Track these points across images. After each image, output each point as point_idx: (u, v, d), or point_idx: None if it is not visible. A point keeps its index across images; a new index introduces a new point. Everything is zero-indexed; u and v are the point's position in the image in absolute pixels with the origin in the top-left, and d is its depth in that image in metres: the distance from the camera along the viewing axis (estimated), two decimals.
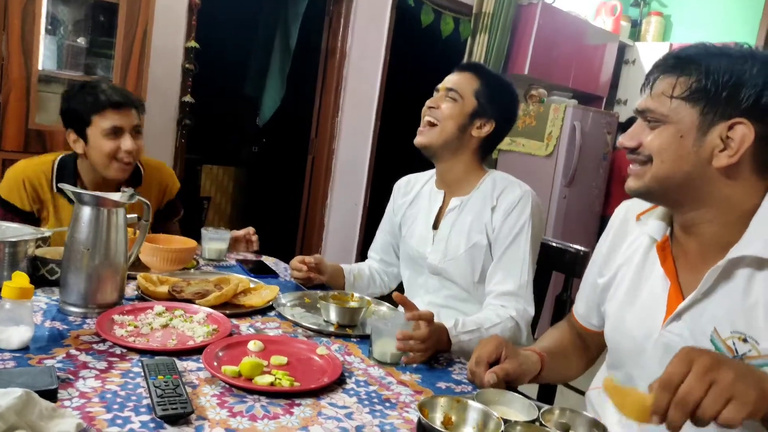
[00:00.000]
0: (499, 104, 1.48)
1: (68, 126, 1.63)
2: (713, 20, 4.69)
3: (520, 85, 4.26)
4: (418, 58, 4.38)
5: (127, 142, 1.59)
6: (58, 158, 1.69)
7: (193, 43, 2.88)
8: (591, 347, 1.22)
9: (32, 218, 1.64)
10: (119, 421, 0.79)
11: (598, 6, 4.68)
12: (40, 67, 2.20)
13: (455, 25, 3.84)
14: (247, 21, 4.17)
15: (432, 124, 1.47)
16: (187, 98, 2.92)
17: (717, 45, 0.90)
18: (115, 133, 1.59)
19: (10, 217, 1.59)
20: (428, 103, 1.50)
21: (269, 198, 4.70)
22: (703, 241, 0.93)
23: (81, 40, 2.40)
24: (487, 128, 1.47)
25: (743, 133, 0.85)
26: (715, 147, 0.87)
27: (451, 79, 1.49)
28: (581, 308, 1.19)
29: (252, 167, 4.96)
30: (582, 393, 3.38)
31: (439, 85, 1.51)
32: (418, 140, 1.50)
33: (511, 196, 1.44)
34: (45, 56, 2.27)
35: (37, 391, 0.77)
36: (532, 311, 1.38)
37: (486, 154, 1.54)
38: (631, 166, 0.96)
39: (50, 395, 0.81)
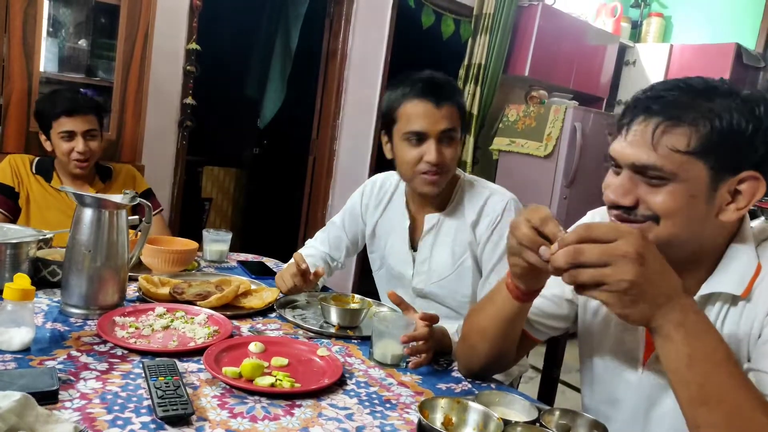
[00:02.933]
0: (465, 115, 1.41)
1: (40, 128, 1.92)
2: (713, 21, 4.69)
3: (521, 86, 4.27)
4: (418, 60, 4.36)
5: (79, 144, 1.84)
6: (37, 157, 1.99)
7: (194, 45, 2.88)
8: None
9: (12, 192, 1.90)
10: (120, 422, 0.80)
11: (598, 7, 4.68)
12: (41, 69, 2.20)
13: (456, 26, 3.85)
14: (248, 23, 4.17)
15: (442, 171, 1.34)
16: (189, 100, 2.93)
17: (698, 81, 0.81)
18: (69, 136, 1.84)
19: None
20: (429, 157, 1.31)
21: (270, 199, 4.70)
22: (692, 283, 0.89)
23: (82, 42, 2.40)
24: (464, 140, 1.42)
25: (755, 187, 0.79)
26: (723, 201, 0.80)
27: (439, 120, 1.31)
28: (538, 309, 1.08)
29: (253, 169, 4.97)
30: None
31: (423, 129, 1.31)
32: (432, 190, 1.36)
33: (493, 208, 1.37)
34: (46, 58, 2.27)
35: (38, 393, 0.77)
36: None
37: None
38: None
39: (51, 396, 0.82)
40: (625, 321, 0.75)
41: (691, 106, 0.79)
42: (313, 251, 1.67)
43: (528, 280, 0.91)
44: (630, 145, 0.81)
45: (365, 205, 1.59)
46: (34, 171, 1.93)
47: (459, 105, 1.35)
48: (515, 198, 1.41)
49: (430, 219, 1.43)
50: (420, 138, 1.33)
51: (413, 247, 1.48)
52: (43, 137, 1.91)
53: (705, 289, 0.86)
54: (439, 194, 1.40)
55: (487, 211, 1.38)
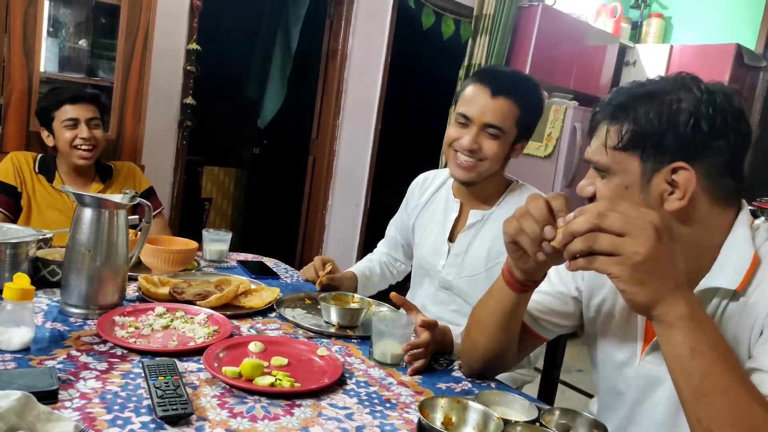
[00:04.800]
0: (536, 120, 1.38)
1: (42, 125, 1.93)
2: (714, 22, 4.69)
3: None
4: (418, 60, 4.38)
5: (83, 131, 1.86)
6: (39, 155, 1.99)
7: (194, 45, 2.88)
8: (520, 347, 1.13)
9: (14, 192, 1.89)
10: (120, 422, 0.80)
11: (598, 8, 4.68)
12: (41, 69, 2.20)
13: (456, 27, 3.85)
14: (248, 23, 4.17)
15: (477, 160, 1.34)
16: (189, 100, 2.93)
17: (652, 81, 0.88)
18: (73, 124, 1.86)
19: None
20: (463, 142, 1.31)
21: (270, 199, 4.70)
22: None
23: (82, 42, 2.40)
24: (522, 149, 1.39)
25: (686, 177, 0.82)
26: (663, 191, 0.84)
27: (488, 111, 1.30)
28: (538, 306, 1.10)
29: (253, 169, 4.97)
30: (583, 393, 3.37)
31: (468, 113, 1.32)
32: (462, 176, 1.36)
33: None
34: (47, 58, 2.27)
35: (37, 392, 0.77)
36: None
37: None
38: None
39: (51, 396, 0.82)
40: (631, 303, 0.75)
41: (623, 107, 0.86)
42: (373, 256, 1.74)
43: (526, 268, 0.93)
44: (591, 145, 0.92)
45: (408, 200, 1.65)
46: (36, 170, 1.93)
47: (522, 103, 1.32)
48: None
49: (475, 214, 1.43)
50: (466, 120, 1.33)
51: (451, 239, 1.48)
52: (45, 133, 1.91)
53: (703, 284, 0.86)
54: (487, 191, 1.42)
55: None
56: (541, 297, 1.09)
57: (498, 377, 1.16)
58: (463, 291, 1.45)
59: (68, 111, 1.86)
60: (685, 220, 0.86)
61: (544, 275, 0.98)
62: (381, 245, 1.76)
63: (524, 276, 0.94)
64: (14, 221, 1.88)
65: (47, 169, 1.94)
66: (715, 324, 0.77)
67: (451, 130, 1.36)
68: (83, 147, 1.86)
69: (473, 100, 1.32)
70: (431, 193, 1.58)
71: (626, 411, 1.00)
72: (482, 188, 1.43)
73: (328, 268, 1.51)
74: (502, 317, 1.00)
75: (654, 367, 0.94)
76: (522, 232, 0.85)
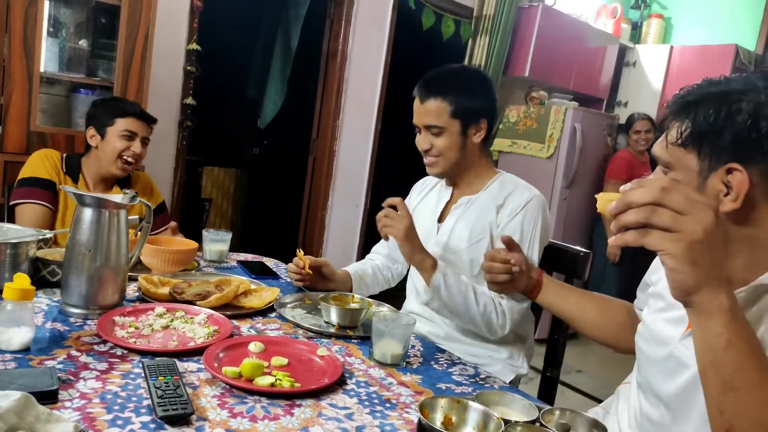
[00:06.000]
0: (480, 102, 1.47)
1: (90, 124, 1.92)
2: (714, 23, 4.70)
3: (521, 87, 4.27)
4: (419, 61, 4.37)
5: (136, 146, 1.91)
6: (63, 154, 1.96)
7: (194, 46, 2.89)
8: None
9: (54, 188, 1.86)
10: (120, 422, 0.80)
11: (598, 8, 4.68)
12: (42, 69, 2.20)
13: (456, 27, 3.85)
14: (248, 23, 4.17)
15: (435, 156, 1.49)
16: (189, 100, 2.93)
17: (723, 80, 0.87)
18: (130, 136, 1.90)
19: (36, 194, 1.82)
20: (420, 145, 1.49)
21: (270, 199, 4.71)
22: (731, 269, 0.88)
23: (83, 43, 2.40)
24: (483, 128, 1.48)
25: (739, 179, 0.82)
26: (719, 192, 0.83)
27: (422, 115, 1.47)
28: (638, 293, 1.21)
29: (253, 169, 4.97)
30: (582, 393, 3.36)
31: (415, 122, 1.49)
32: (431, 172, 1.53)
33: (519, 198, 1.45)
34: (47, 58, 2.27)
35: (37, 392, 0.77)
36: (524, 305, 1.41)
37: (489, 145, 1.55)
38: None
39: (51, 396, 0.82)
40: (676, 285, 0.73)
41: (689, 104, 0.85)
42: (366, 260, 1.78)
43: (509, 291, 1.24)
44: (658, 140, 0.92)
45: (411, 200, 1.71)
46: (65, 170, 1.91)
47: (451, 97, 1.44)
48: (542, 197, 1.47)
49: (463, 199, 1.54)
50: (417, 128, 1.50)
51: (440, 220, 1.56)
52: (91, 132, 1.90)
53: (761, 279, 0.84)
54: (470, 178, 1.53)
55: (513, 198, 1.46)
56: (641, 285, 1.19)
57: (491, 371, 1.30)
58: (455, 266, 1.49)
59: (132, 124, 1.89)
60: (742, 221, 0.85)
61: (525, 289, 1.26)
62: (379, 247, 1.78)
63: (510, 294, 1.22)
64: (56, 216, 1.87)
65: (72, 170, 1.93)
66: (748, 321, 0.76)
67: (416, 139, 1.52)
68: (129, 160, 1.89)
69: (415, 110, 1.49)
70: (427, 191, 1.67)
71: (648, 377, 1.02)
72: (466, 176, 1.54)
73: (307, 261, 1.52)
74: (559, 313, 1.28)
75: (687, 352, 0.92)
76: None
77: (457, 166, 1.50)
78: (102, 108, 1.93)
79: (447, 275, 1.35)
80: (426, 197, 1.67)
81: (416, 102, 1.48)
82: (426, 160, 1.51)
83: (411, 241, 1.35)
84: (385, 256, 1.75)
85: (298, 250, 1.55)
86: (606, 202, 0.78)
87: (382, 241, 1.76)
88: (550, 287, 1.29)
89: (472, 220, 1.49)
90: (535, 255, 1.42)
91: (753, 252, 0.86)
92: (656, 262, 1.11)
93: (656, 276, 1.09)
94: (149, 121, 1.96)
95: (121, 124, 1.88)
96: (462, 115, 1.44)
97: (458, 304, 1.36)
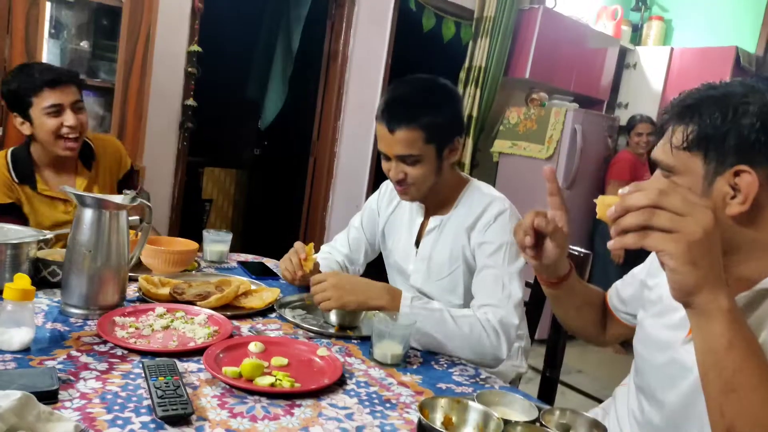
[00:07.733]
0: (451, 119, 1.36)
1: (13, 110, 1.67)
2: (714, 25, 4.70)
3: (521, 88, 4.27)
4: (419, 62, 4.37)
5: (69, 118, 1.63)
6: (9, 152, 1.71)
7: (195, 47, 2.89)
8: (607, 330, 1.24)
9: (16, 209, 1.66)
10: (120, 422, 0.80)
11: (599, 10, 4.69)
12: None
13: (456, 29, 3.85)
14: (249, 25, 4.18)
15: (407, 185, 1.38)
16: (190, 101, 2.93)
17: (723, 84, 0.87)
18: (56, 110, 1.63)
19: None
20: (391, 176, 1.38)
21: (271, 200, 4.71)
22: (733, 273, 0.88)
23: (84, 44, 2.41)
24: (457, 146, 1.39)
25: (748, 181, 0.81)
26: (725, 195, 0.83)
27: (394, 145, 1.33)
28: (619, 293, 1.20)
29: (254, 170, 4.97)
30: (582, 393, 3.36)
31: (383, 150, 1.37)
32: (404, 199, 1.45)
33: (488, 215, 1.38)
34: (48, 60, 2.28)
35: (38, 392, 0.77)
36: (515, 320, 1.27)
37: (458, 159, 1.47)
38: None
39: (51, 396, 0.82)
40: (676, 285, 0.73)
41: (691, 108, 0.85)
42: (328, 255, 1.68)
43: (545, 269, 1.07)
44: (658, 144, 0.93)
45: (379, 202, 1.65)
46: (17, 179, 1.67)
47: (422, 125, 1.31)
48: (513, 207, 1.41)
49: (434, 220, 1.47)
50: (386, 155, 1.37)
51: (417, 243, 1.50)
52: (18, 120, 1.66)
53: (764, 284, 0.84)
54: (443, 196, 1.45)
55: (483, 218, 1.38)
56: (624, 283, 1.20)
57: (490, 371, 1.25)
58: (434, 295, 1.45)
59: (49, 96, 1.61)
60: (748, 224, 0.85)
61: (566, 270, 1.10)
62: (338, 245, 1.70)
63: (547, 274, 1.09)
64: None
65: (26, 173, 1.68)
66: (747, 322, 0.76)
67: (382, 163, 1.41)
68: (70, 135, 1.64)
69: (381, 138, 1.36)
70: (398, 202, 1.58)
71: (649, 382, 1.02)
72: (437, 195, 1.45)
73: (303, 255, 1.44)
74: (559, 308, 1.20)
75: (689, 356, 0.91)
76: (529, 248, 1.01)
77: (431, 190, 1.41)
78: (12, 87, 1.64)
79: (412, 306, 1.24)
80: (397, 210, 1.59)
81: (383, 131, 1.33)
82: (398, 188, 1.40)
83: (357, 298, 1.24)
84: (345, 255, 1.69)
85: (310, 245, 1.46)
86: (605, 206, 0.77)
87: (343, 237, 1.71)
88: (575, 281, 1.16)
89: (449, 242, 1.42)
90: (506, 269, 1.32)
91: (758, 255, 0.86)
92: (654, 264, 1.10)
93: (653, 281, 1.08)
94: (68, 81, 1.65)
95: (39, 102, 1.61)
96: (437, 138, 1.34)
97: (434, 333, 1.22)
